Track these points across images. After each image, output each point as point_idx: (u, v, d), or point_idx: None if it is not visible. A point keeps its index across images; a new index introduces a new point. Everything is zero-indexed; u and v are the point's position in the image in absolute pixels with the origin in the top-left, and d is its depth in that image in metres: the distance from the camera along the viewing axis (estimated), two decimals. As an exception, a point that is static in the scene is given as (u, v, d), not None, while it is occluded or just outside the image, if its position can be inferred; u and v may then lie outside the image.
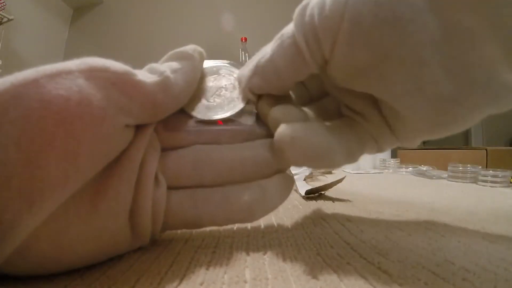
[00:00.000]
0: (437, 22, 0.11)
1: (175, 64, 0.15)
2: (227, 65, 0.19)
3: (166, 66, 0.15)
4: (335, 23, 0.12)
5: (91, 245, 0.12)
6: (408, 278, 0.11)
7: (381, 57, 0.12)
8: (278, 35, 0.15)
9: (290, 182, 0.15)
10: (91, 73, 0.11)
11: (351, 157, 0.15)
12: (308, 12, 0.13)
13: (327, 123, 0.15)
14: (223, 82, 0.18)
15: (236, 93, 0.17)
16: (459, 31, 0.11)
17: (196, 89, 0.16)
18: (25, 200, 0.09)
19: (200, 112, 0.16)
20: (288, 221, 0.20)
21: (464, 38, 0.11)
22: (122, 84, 0.12)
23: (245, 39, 1.29)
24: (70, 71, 0.11)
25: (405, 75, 0.12)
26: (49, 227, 0.10)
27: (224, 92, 0.17)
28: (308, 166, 0.14)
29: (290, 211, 0.23)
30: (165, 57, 0.16)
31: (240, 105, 0.17)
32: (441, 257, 0.13)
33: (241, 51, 1.27)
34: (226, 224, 0.15)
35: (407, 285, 0.10)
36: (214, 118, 0.16)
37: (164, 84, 0.14)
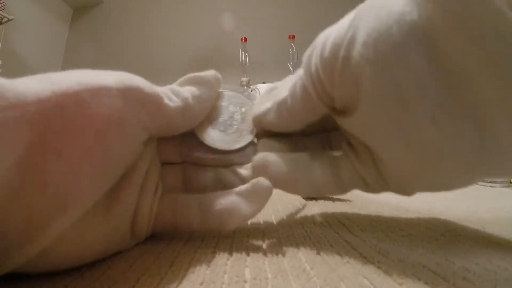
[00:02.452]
0: (426, 64, 0.10)
1: (195, 90, 0.16)
2: (235, 93, 0.20)
3: (188, 92, 0.15)
4: (331, 64, 0.12)
5: (105, 244, 0.13)
6: (408, 278, 0.11)
7: (364, 96, 0.12)
8: (296, 75, 0.16)
9: (265, 193, 0.15)
10: (127, 93, 0.12)
11: (319, 190, 0.15)
12: (314, 53, 0.14)
13: (303, 156, 0.16)
14: (231, 109, 0.19)
15: (245, 125, 0.18)
16: (449, 73, 0.10)
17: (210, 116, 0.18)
18: (58, 205, 0.10)
19: (210, 138, 0.17)
20: (288, 220, 0.20)
21: (453, 79, 0.10)
22: (151, 106, 0.13)
23: (245, 39, 1.29)
24: (109, 88, 0.11)
25: (386, 118, 0.11)
26: (73, 229, 0.11)
27: (234, 122, 0.18)
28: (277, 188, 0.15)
29: (290, 210, 0.23)
30: (185, 78, 0.16)
31: (249, 138, 0.18)
32: (441, 257, 0.13)
33: (241, 51, 1.27)
34: (202, 231, 0.16)
35: (407, 284, 0.10)
36: (222, 149, 0.17)
37: (184, 109, 0.15)
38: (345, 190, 0.15)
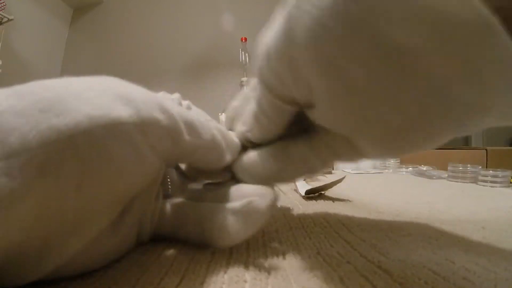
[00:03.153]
0: (369, 51, 0.09)
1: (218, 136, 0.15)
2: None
3: (216, 130, 0.15)
4: (280, 71, 0.12)
5: (117, 250, 0.13)
6: (409, 277, 0.11)
7: (317, 93, 0.12)
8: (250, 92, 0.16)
9: (259, 216, 0.13)
10: (144, 128, 0.11)
11: (309, 170, 0.15)
12: (259, 62, 0.13)
13: (279, 145, 0.16)
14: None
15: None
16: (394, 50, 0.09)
17: None
18: (76, 228, 0.10)
19: None
20: (288, 220, 0.20)
21: (404, 57, 0.09)
22: (169, 140, 0.12)
23: (245, 39, 1.29)
24: (125, 123, 0.10)
25: (345, 106, 0.11)
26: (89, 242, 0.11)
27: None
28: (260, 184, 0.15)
29: (290, 210, 0.23)
30: (213, 124, 0.16)
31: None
32: (442, 256, 0.13)
33: (241, 51, 1.27)
34: (198, 243, 0.15)
35: (408, 284, 0.10)
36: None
37: (200, 145, 0.14)
38: (322, 165, 0.15)
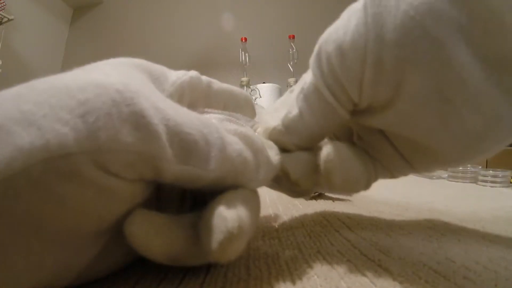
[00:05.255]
0: (465, 57, 0.10)
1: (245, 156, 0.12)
2: (227, 117, 0.18)
3: (235, 153, 0.11)
4: (358, 71, 0.12)
5: (124, 261, 0.12)
6: (409, 276, 0.11)
7: (403, 95, 0.11)
8: (299, 88, 0.14)
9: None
10: (101, 158, 0.08)
11: (369, 185, 0.15)
12: (324, 62, 0.13)
13: (355, 149, 0.15)
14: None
15: None
16: (487, 62, 0.10)
17: None
18: (53, 266, 0.09)
19: None
20: (288, 220, 0.20)
21: (491, 69, 0.10)
22: (146, 167, 0.09)
23: (245, 39, 1.29)
24: (70, 154, 0.08)
25: (428, 113, 0.12)
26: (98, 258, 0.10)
27: None
28: (341, 190, 0.15)
29: (290, 210, 0.23)
30: (241, 131, 0.12)
31: None
32: (442, 256, 0.13)
33: (241, 51, 1.27)
34: None
35: (408, 282, 0.10)
36: None
37: (199, 176, 0.11)
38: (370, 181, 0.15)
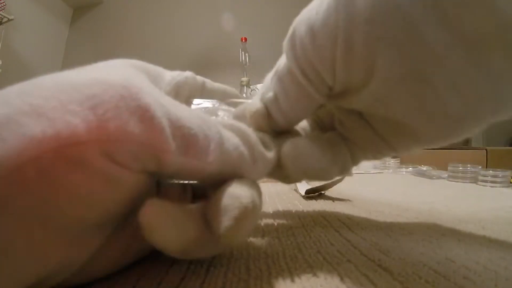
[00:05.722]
0: (441, 34, 0.10)
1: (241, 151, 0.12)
2: (219, 104, 0.18)
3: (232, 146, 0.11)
4: (329, 51, 0.11)
5: (115, 263, 0.12)
6: (409, 276, 0.11)
7: (377, 75, 0.11)
8: (273, 70, 0.14)
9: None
10: (109, 147, 0.09)
11: (345, 170, 0.15)
12: (297, 44, 0.12)
13: (325, 136, 0.16)
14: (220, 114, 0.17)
15: None
16: (465, 40, 0.10)
17: None
18: (55, 259, 0.09)
19: None
20: (288, 219, 0.20)
21: (470, 48, 0.10)
22: (151, 157, 0.09)
23: (245, 39, 1.29)
24: (80, 143, 0.08)
25: (404, 93, 0.11)
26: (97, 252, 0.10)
27: None
28: (306, 179, 0.15)
29: (290, 209, 0.23)
30: (237, 127, 0.12)
31: None
32: (442, 256, 0.13)
33: (241, 51, 1.27)
34: None
35: (408, 283, 0.10)
36: None
37: (201, 169, 0.11)
38: (352, 167, 0.16)
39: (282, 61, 0.14)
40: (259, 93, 0.16)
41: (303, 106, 0.14)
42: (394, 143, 0.14)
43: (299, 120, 0.16)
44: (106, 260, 0.11)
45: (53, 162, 0.07)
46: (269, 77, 0.15)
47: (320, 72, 0.12)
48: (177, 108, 0.10)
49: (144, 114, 0.08)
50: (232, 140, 0.11)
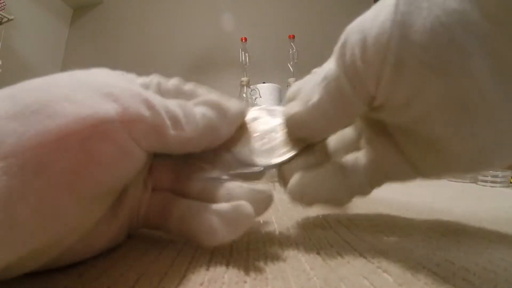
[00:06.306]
0: (487, 66, 0.10)
1: (209, 117, 0.14)
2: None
3: (201, 117, 0.14)
4: (377, 67, 0.12)
5: (112, 240, 0.14)
6: (408, 278, 0.11)
7: (421, 99, 0.12)
8: (322, 75, 0.14)
9: (245, 219, 0.13)
10: (131, 126, 0.11)
11: (362, 194, 0.16)
12: (348, 52, 0.13)
13: (338, 164, 0.16)
14: (271, 124, 0.17)
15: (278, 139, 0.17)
16: (506, 77, 0.10)
17: (243, 133, 0.17)
18: (70, 223, 0.10)
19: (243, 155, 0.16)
20: (288, 221, 0.20)
21: (509, 84, 0.10)
22: (154, 136, 0.12)
23: (245, 39, 1.29)
24: (112, 121, 0.10)
25: (444, 118, 0.12)
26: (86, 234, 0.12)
27: (271, 136, 0.17)
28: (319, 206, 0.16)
29: (290, 210, 0.23)
30: (204, 100, 0.15)
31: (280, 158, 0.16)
32: (441, 257, 0.13)
33: (241, 51, 1.27)
34: (180, 238, 0.15)
35: (407, 284, 0.10)
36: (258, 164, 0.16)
37: (189, 140, 0.13)
38: (370, 191, 0.16)
39: (331, 66, 0.14)
40: (301, 96, 0.16)
41: (346, 113, 0.14)
42: (422, 168, 0.14)
43: (336, 130, 0.16)
44: (104, 233, 0.13)
45: (91, 135, 0.09)
46: (313, 80, 0.15)
47: (366, 84, 0.13)
48: (161, 99, 0.13)
49: (149, 103, 0.12)
50: (203, 111, 0.14)
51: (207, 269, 0.12)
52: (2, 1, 1.21)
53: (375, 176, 0.16)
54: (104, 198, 0.12)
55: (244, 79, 1.19)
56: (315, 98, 0.14)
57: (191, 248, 0.15)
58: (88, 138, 0.09)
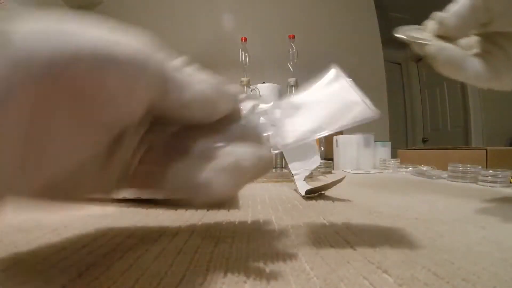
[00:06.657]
0: None
1: (208, 87, 0.15)
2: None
3: (200, 86, 0.15)
4: None
5: (101, 186, 0.13)
6: (408, 278, 0.11)
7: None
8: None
9: (244, 174, 0.13)
10: (138, 68, 0.11)
11: (478, 79, 0.20)
12: None
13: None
14: None
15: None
16: None
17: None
18: (66, 145, 0.11)
19: None
20: (288, 221, 0.20)
21: None
22: (156, 90, 0.13)
23: (245, 39, 1.29)
24: (126, 57, 0.11)
25: None
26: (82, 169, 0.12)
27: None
28: (447, 73, 0.20)
29: (290, 210, 0.23)
30: (205, 77, 0.16)
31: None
32: (441, 257, 0.13)
33: (241, 51, 1.27)
34: (174, 196, 0.15)
35: (407, 285, 0.10)
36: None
37: (186, 101, 0.14)
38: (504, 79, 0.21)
39: None
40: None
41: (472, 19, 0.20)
42: None
43: (473, 27, 0.21)
44: (92, 180, 0.13)
45: (102, 63, 0.10)
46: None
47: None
48: (172, 66, 0.13)
49: (156, 62, 0.12)
50: (202, 82, 0.14)
51: (207, 269, 0.12)
52: (1, 1, 1.21)
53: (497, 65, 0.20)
54: (100, 134, 0.12)
55: (244, 79, 1.19)
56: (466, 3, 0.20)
57: (191, 248, 0.15)
58: (100, 65, 0.10)
